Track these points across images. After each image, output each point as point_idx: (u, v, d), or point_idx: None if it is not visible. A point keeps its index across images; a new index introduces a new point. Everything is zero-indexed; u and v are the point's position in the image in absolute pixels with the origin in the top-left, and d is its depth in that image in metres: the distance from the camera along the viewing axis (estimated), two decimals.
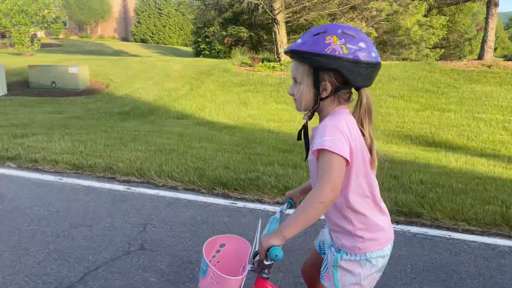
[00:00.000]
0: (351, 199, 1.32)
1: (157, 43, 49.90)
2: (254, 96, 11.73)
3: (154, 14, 50.24)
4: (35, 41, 23.96)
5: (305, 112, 1.39)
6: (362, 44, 1.25)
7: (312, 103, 1.34)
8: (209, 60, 17.90)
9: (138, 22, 50.71)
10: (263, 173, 4.72)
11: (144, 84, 13.58)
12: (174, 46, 47.42)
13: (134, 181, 4.60)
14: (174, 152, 5.69)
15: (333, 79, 1.28)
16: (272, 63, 14.81)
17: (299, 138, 1.41)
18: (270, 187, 4.30)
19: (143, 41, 50.11)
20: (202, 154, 5.63)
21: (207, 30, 22.68)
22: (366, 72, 1.27)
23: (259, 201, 4.06)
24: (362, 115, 1.31)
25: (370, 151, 1.32)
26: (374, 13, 18.05)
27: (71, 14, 47.13)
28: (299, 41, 1.31)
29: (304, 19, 17.77)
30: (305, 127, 1.40)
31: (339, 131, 1.23)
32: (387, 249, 1.39)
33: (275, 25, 15.51)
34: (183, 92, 12.49)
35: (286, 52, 1.40)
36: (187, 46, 46.64)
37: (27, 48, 23.42)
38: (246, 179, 4.41)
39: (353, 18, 17.81)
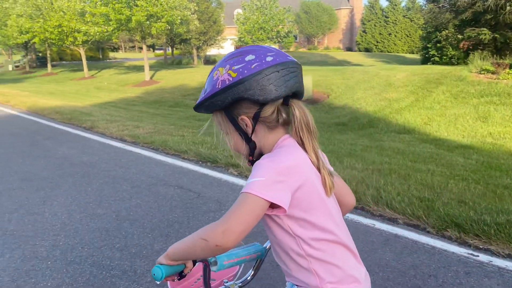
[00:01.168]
0: (306, 248, 1.09)
1: (381, 51, 48.85)
2: (497, 110, 9.74)
3: (380, 22, 49.40)
4: None
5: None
6: (249, 57, 1.08)
7: (247, 148, 1.16)
8: (439, 67, 16.09)
9: (364, 31, 50.75)
10: None
11: (364, 94, 13.08)
12: (399, 54, 45.49)
13: None
14: (394, 173, 4.96)
15: (244, 109, 1.11)
16: None
17: None
18: None
19: (367, 50, 49.89)
20: (429, 180, 4.72)
21: (439, 35, 20.58)
22: (271, 81, 1.06)
23: None
24: (300, 132, 1.11)
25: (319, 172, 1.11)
26: None
27: (301, 28, 50.83)
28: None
29: None
30: None
31: (273, 169, 1.03)
32: None
33: None
34: (407, 103, 11.42)
35: (195, 110, 1.22)
36: (413, 53, 44.07)
37: None
38: (491, 223, 3.35)
39: None
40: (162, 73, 25.31)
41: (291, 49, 47.58)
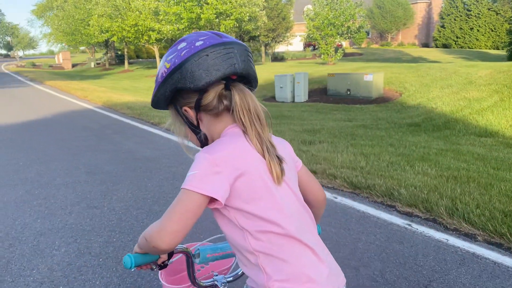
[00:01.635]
0: (252, 241, 1.00)
1: (461, 47, 45.59)
2: None
3: (461, 16, 46.07)
4: (339, 51, 25.79)
5: None
6: (181, 45, 1.04)
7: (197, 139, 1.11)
8: None
9: (442, 26, 47.67)
10: None
11: (441, 92, 12.14)
12: (481, 50, 42.14)
13: (417, 215, 3.72)
14: (473, 182, 4.43)
15: (185, 99, 1.06)
16: None
17: None
18: None
19: (445, 46, 46.83)
20: None
21: None
22: (200, 66, 0.99)
23: None
24: (241, 118, 1.01)
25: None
26: None
27: (374, 24, 48.95)
28: None
29: None
30: None
31: (208, 160, 0.96)
32: None
33: None
34: (490, 103, 10.39)
35: (153, 107, 1.17)
36: (498, 49, 40.62)
37: (331, 57, 25.47)
38: None
39: None
40: None
41: (362, 45, 46.03)
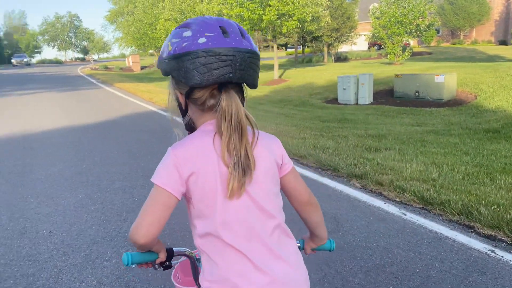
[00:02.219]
0: (198, 238, 1.09)
1: None
2: None
3: None
4: (406, 50, 24.55)
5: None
6: (186, 33, 1.01)
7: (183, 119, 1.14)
8: None
9: None
10: None
11: None
12: None
13: (501, 239, 3.23)
14: None
15: (178, 85, 1.08)
16: None
17: None
18: None
19: None
20: None
21: None
22: (195, 66, 0.99)
23: None
24: (221, 122, 1.02)
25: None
26: None
27: (445, 21, 46.21)
28: None
29: None
30: None
31: (171, 156, 1.04)
32: None
33: None
34: None
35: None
36: None
37: (398, 57, 24.31)
38: None
39: None
40: (291, 72, 25.35)
41: (432, 44, 43.62)
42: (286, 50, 69.05)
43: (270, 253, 1.08)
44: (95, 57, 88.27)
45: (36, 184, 4.88)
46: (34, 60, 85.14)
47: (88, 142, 7.28)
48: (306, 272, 1.17)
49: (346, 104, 13.43)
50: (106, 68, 49.67)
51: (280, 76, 22.84)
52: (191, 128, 1.15)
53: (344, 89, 13.58)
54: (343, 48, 42.43)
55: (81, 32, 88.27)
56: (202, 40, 0.99)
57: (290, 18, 19.71)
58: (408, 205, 4.01)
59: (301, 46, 43.25)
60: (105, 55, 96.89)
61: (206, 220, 1.06)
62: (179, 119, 1.18)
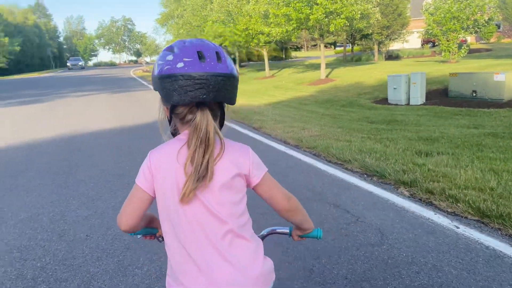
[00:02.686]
0: (164, 234, 1.25)
1: None
2: None
3: None
4: (463, 47, 23.24)
5: None
6: (169, 57, 1.17)
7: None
8: None
9: None
10: None
11: None
12: None
13: None
14: None
15: (164, 100, 1.23)
16: None
17: None
18: None
19: None
20: None
21: None
22: (174, 88, 1.14)
23: None
24: (192, 136, 1.17)
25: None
26: None
27: (507, 15, 43.38)
28: None
29: None
30: None
31: (147, 158, 1.23)
32: None
33: None
34: None
35: None
36: None
37: (453, 55, 23.06)
38: None
39: None
40: (339, 71, 24.77)
41: (491, 40, 41.10)
42: (334, 48, 67.88)
43: (218, 256, 1.18)
44: (147, 59, 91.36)
45: (79, 185, 4.97)
46: (91, 63, 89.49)
47: (132, 144, 7.39)
48: (259, 275, 1.22)
49: (396, 104, 12.86)
50: None
51: (327, 76, 22.37)
52: (175, 135, 1.30)
53: (394, 88, 13.01)
54: (395, 46, 41.00)
55: (134, 36, 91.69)
56: (180, 65, 1.13)
57: (338, 16, 19.22)
58: (462, 217, 3.66)
59: (350, 45, 42.28)
60: (156, 57, 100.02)
61: (165, 219, 1.22)
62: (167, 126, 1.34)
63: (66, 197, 4.55)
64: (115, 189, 4.76)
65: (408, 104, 12.75)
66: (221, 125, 1.28)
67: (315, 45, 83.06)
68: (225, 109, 1.27)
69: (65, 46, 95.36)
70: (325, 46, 22.39)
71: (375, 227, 3.49)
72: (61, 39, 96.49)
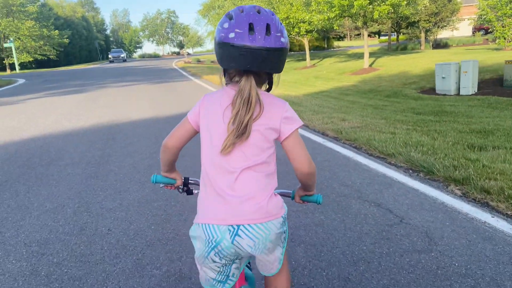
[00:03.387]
0: (203, 165, 1.43)
1: None
2: None
3: None
4: None
5: None
6: (225, 25, 1.30)
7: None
8: None
9: None
10: None
11: None
12: None
13: None
14: None
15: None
16: None
17: None
18: None
19: None
20: None
21: None
22: (224, 54, 1.31)
23: None
24: (237, 99, 1.33)
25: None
26: None
27: None
28: None
29: None
30: None
31: (202, 98, 1.45)
32: (201, 228, 1.37)
33: None
34: None
35: None
36: None
37: (509, 42, 21.51)
38: None
39: None
40: (383, 60, 23.78)
41: None
42: (379, 38, 65.67)
43: (237, 193, 1.35)
44: (190, 51, 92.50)
45: (109, 175, 4.85)
46: (136, 55, 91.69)
47: (167, 134, 7.25)
48: (267, 202, 1.37)
49: (445, 94, 12.06)
50: (199, 61, 51.58)
51: (370, 65, 21.51)
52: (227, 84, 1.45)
53: (443, 77, 12.20)
54: (443, 34, 38.98)
55: (177, 27, 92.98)
56: (231, 35, 1.27)
57: (383, 3, 18.34)
58: None
59: (395, 33, 40.66)
60: (199, 49, 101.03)
61: (204, 159, 1.41)
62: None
63: (94, 187, 4.43)
64: (144, 180, 4.60)
65: (458, 94, 11.93)
66: (269, 89, 1.46)
67: (358, 35, 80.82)
68: (273, 77, 1.45)
69: (111, 39, 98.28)
70: (369, 36, 21.52)
71: (422, 230, 3.09)
72: (108, 32, 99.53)
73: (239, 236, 1.33)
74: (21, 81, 24.59)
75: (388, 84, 15.43)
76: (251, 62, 1.27)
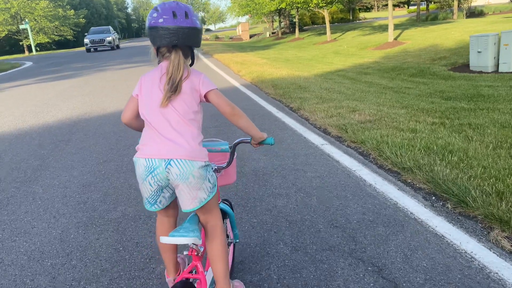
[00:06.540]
0: (142, 115, 1.79)
1: None
2: None
3: None
4: None
5: None
6: (154, 15, 1.69)
7: None
8: None
9: None
10: None
11: None
12: None
13: None
14: None
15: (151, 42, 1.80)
16: None
17: None
18: None
19: None
20: None
21: None
22: (156, 35, 1.69)
23: None
24: (169, 67, 1.72)
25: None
26: None
27: None
28: None
29: None
30: None
31: (140, 79, 1.81)
32: (145, 160, 1.69)
33: None
34: None
35: None
36: None
37: None
38: None
39: None
40: (410, 32, 21.71)
41: None
42: (408, 8, 62.06)
43: (164, 129, 1.71)
44: (212, 27, 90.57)
45: (22, 204, 3.72)
46: None
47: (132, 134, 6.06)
48: (193, 147, 1.69)
49: (481, 72, 10.36)
50: (217, 38, 50.05)
51: (395, 38, 19.59)
52: (159, 62, 1.82)
53: (479, 52, 10.47)
54: (478, 1, 35.93)
55: (197, 3, 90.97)
56: (160, 20, 1.66)
57: None
58: None
59: (424, 2, 37.80)
60: (222, 24, 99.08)
61: (145, 114, 1.76)
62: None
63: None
64: (62, 213, 3.42)
65: (496, 71, 10.21)
66: (192, 61, 1.83)
67: (386, 5, 76.78)
68: (194, 50, 1.83)
69: (133, 17, 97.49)
70: (398, 6, 19.53)
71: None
72: (129, 10, 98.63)
73: (170, 165, 1.65)
74: (28, 64, 23.89)
75: (414, 60, 13.69)
76: (177, 38, 1.67)
